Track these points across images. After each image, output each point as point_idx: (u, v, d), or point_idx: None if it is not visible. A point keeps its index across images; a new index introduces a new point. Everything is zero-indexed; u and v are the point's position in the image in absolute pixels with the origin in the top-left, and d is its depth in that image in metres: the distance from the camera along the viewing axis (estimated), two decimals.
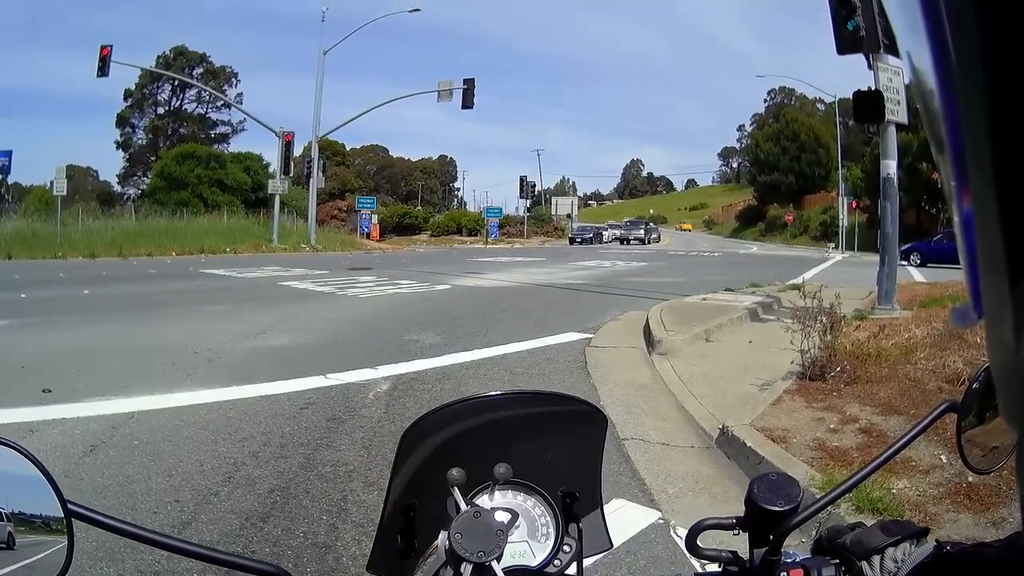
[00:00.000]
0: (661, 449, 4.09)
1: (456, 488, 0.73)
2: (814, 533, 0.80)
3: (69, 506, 0.59)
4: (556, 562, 0.77)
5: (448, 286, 13.08)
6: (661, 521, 3.04)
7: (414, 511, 0.80)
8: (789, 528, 0.68)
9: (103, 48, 24.86)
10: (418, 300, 11.06)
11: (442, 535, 0.71)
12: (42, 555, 0.60)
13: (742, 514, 0.71)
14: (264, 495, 3.21)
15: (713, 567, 0.73)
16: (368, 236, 37.33)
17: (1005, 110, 0.21)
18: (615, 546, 2.65)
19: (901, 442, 0.77)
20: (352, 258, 22.88)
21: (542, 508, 0.80)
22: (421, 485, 0.79)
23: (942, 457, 3.47)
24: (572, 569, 0.79)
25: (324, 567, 2.59)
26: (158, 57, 46.64)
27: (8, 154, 28.35)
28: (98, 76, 24.92)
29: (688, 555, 0.72)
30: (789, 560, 0.70)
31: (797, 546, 0.75)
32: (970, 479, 3.06)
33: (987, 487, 2.97)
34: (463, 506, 0.72)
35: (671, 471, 3.73)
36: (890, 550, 0.68)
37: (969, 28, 0.21)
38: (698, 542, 0.71)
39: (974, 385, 0.74)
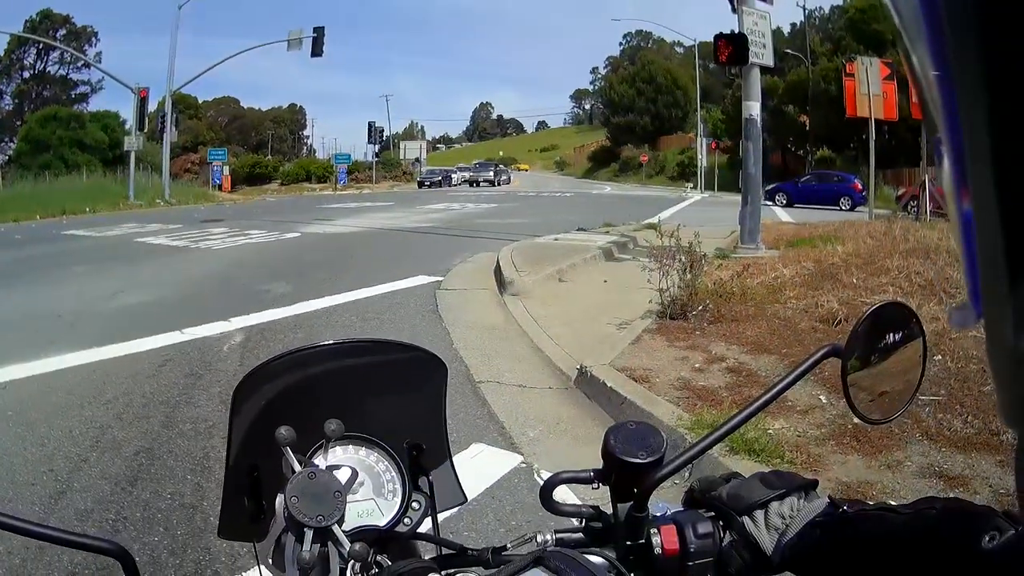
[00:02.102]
0: (518, 391, 4.07)
1: (288, 448, 0.68)
2: (685, 482, 0.70)
3: None
4: (407, 520, 0.74)
5: (298, 234, 13.30)
6: (524, 465, 3.07)
7: (258, 471, 0.76)
8: (655, 481, 0.64)
9: None
10: (269, 249, 11.33)
11: (279, 499, 0.68)
12: None
13: (600, 467, 0.66)
14: (130, 457, 3.21)
15: (574, 522, 0.68)
16: (220, 188, 36.77)
17: (1005, 109, 0.22)
18: (479, 493, 2.69)
19: (779, 387, 0.70)
20: (205, 210, 22.98)
21: (386, 463, 0.76)
22: (258, 445, 0.74)
23: (821, 397, 3.45)
24: (426, 526, 0.76)
25: (193, 527, 2.55)
26: (25, 21, 47.01)
27: None
28: None
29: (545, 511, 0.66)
30: (659, 514, 0.65)
31: (672, 499, 0.71)
32: (856, 421, 2.99)
33: (877, 428, 2.89)
34: (296, 467, 0.67)
35: (530, 413, 3.73)
36: (775, 504, 0.62)
37: (969, 28, 0.21)
38: (555, 497, 0.66)
39: (859, 328, 0.68)
